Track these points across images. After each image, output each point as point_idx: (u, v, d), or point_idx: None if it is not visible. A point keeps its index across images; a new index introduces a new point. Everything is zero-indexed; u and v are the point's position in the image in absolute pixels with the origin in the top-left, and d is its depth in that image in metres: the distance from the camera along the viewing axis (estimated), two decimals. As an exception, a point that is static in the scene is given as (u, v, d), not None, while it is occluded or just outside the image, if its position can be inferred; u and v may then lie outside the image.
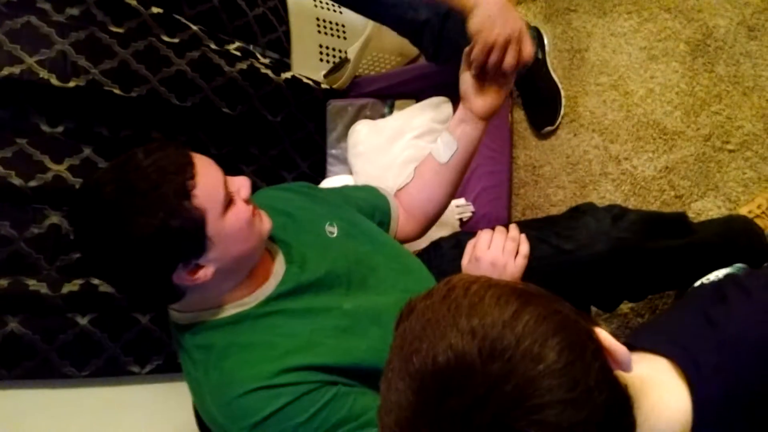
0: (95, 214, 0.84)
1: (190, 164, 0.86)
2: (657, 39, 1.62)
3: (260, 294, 0.97)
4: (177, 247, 0.85)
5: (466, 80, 1.15)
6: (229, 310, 0.95)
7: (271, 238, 1.02)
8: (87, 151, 1.48)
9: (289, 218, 1.08)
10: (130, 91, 1.54)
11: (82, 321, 1.39)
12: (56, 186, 1.41)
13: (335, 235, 1.09)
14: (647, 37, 1.64)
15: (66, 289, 1.37)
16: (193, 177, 0.85)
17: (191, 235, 0.85)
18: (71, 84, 1.45)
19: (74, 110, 1.48)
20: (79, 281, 1.39)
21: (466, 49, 1.12)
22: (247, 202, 0.93)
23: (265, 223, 0.97)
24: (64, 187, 1.42)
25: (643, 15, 1.66)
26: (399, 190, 1.26)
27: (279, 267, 1.00)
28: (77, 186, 1.43)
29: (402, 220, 1.23)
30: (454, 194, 1.25)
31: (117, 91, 1.52)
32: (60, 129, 1.46)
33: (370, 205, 1.22)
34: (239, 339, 0.93)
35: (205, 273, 0.88)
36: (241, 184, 0.93)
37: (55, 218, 1.40)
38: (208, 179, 0.87)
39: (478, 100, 1.15)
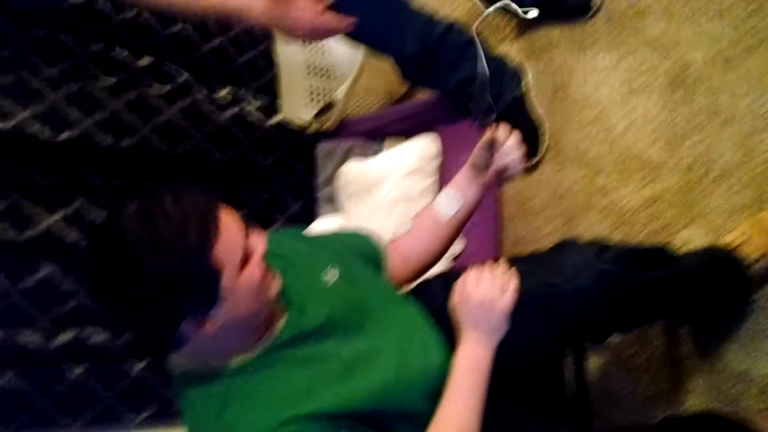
0: (113, 250, 0.83)
1: (216, 216, 0.86)
2: (636, 73, 1.66)
3: (261, 344, 0.97)
4: (189, 297, 0.85)
5: (482, 156, 1.18)
6: (231, 361, 0.95)
7: None
8: (80, 201, 1.51)
9: (287, 263, 1.08)
10: (122, 140, 1.58)
11: (77, 371, 1.40)
12: (49, 237, 1.44)
13: (333, 280, 1.10)
14: (627, 72, 1.68)
15: (60, 339, 1.39)
16: (217, 229, 0.84)
17: (205, 287, 0.85)
18: (63, 136, 1.48)
19: (67, 162, 1.51)
20: (73, 331, 1.40)
21: (488, 134, 1.17)
22: (262, 260, 0.93)
23: (276, 285, 0.97)
24: (57, 238, 1.45)
25: (622, 50, 1.70)
26: (397, 238, 1.27)
27: (280, 316, 1.01)
28: (70, 236, 1.46)
29: (396, 267, 1.24)
30: (449, 248, 1.27)
31: (109, 142, 1.55)
32: (53, 180, 1.49)
33: (364, 253, 1.22)
34: (240, 390, 0.94)
35: (212, 326, 0.88)
36: (258, 242, 0.93)
37: (48, 269, 1.42)
38: (231, 233, 0.87)
39: (489, 174, 1.19)
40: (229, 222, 0.88)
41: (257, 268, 0.91)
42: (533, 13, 1.75)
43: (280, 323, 1.00)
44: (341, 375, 0.98)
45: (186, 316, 0.86)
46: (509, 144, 1.16)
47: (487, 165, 1.18)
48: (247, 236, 0.91)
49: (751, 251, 1.29)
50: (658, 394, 1.47)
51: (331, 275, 1.10)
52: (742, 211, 1.41)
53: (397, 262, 1.25)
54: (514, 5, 1.79)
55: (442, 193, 1.22)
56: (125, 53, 1.65)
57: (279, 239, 1.16)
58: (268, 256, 1.00)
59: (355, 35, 1.62)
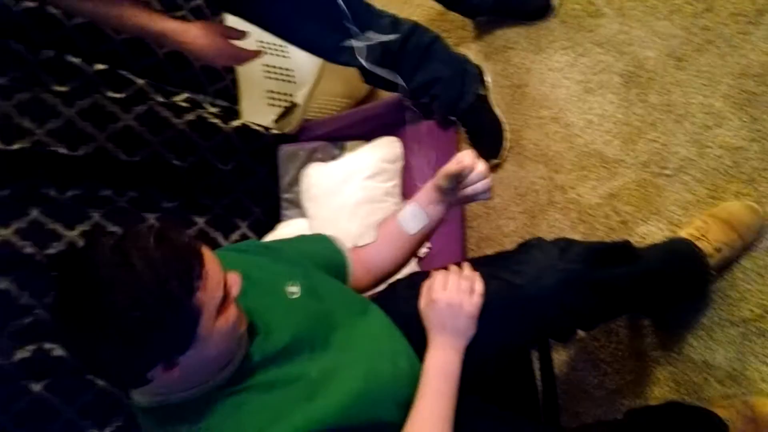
0: (87, 290, 0.77)
1: (200, 262, 0.82)
2: (592, 72, 1.70)
3: (227, 372, 0.94)
4: (162, 344, 0.81)
5: (448, 183, 1.13)
6: (195, 392, 0.92)
7: None
8: (35, 213, 1.46)
9: (248, 282, 1.02)
10: (77, 149, 1.54)
11: (36, 387, 1.36)
12: (4, 251, 1.39)
13: (297, 295, 1.07)
14: (583, 71, 1.71)
15: (18, 355, 1.34)
16: (200, 276, 0.81)
17: (181, 333, 0.81)
18: (15, 146, 1.43)
19: (20, 172, 1.46)
20: (32, 347, 1.36)
21: (454, 165, 1.11)
22: (235, 299, 0.91)
23: (245, 321, 0.95)
24: (11, 252, 1.40)
25: (577, 50, 1.74)
26: (360, 247, 1.26)
27: (244, 341, 0.97)
28: (26, 249, 1.41)
29: (358, 275, 1.23)
30: (412, 257, 1.27)
31: (63, 151, 1.51)
32: (6, 192, 1.44)
33: (327, 261, 1.20)
34: (206, 422, 0.90)
35: (180, 369, 0.84)
36: (234, 282, 0.90)
37: (4, 283, 1.37)
38: (213, 278, 0.83)
39: (455, 196, 1.16)
40: (211, 266, 0.84)
41: (233, 310, 0.88)
42: None
43: (244, 349, 0.97)
44: (310, 395, 0.95)
45: (156, 363, 0.82)
46: (477, 173, 1.11)
47: (453, 191, 1.15)
48: (226, 277, 0.88)
49: (707, 243, 1.33)
50: (624, 386, 1.50)
51: (294, 290, 1.07)
52: (697, 205, 1.45)
53: (359, 270, 1.24)
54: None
55: (407, 208, 1.20)
56: (78, 60, 1.61)
57: (236, 256, 1.13)
58: None
59: (310, 50, 1.62)
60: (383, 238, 1.24)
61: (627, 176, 1.58)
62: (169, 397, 0.91)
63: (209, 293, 0.82)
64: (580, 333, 1.58)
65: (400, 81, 1.65)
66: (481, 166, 1.11)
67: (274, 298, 1.06)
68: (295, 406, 0.93)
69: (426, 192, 1.19)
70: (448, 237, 1.84)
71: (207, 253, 0.85)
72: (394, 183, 1.87)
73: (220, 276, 0.86)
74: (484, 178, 1.11)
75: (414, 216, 1.19)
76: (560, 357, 1.62)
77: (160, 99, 1.75)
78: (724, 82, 1.45)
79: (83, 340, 0.80)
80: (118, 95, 1.66)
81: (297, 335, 1.01)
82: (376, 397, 1.00)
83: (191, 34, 1.37)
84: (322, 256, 1.21)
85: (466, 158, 1.10)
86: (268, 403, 0.93)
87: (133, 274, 0.76)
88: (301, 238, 1.29)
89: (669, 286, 1.26)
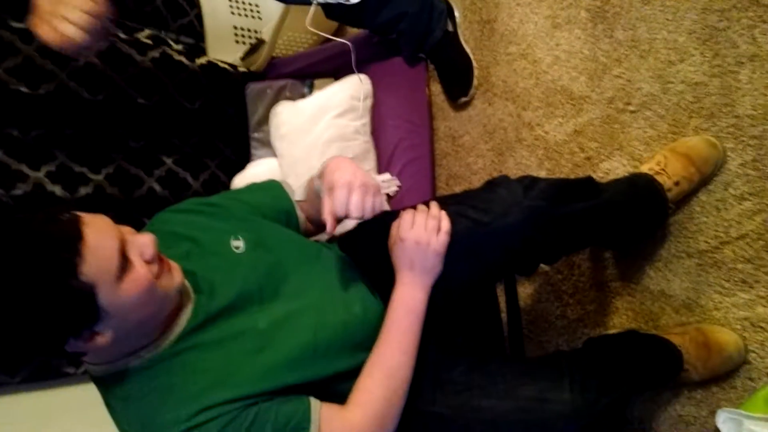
0: None
1: (79, 238, 0.80)
2: (560, 7, 1.69)
3: (172, 333, 0.94)
4: (63, 323, 0.81)
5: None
6: (142, 355, 0.92)
7: None
8: (-2, 154, 1.44)
9: (192, 243, 1.05)
10: (38, 88, 1.50)
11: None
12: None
13: (242, 249, 1.07)
14: (551, 6, 1.71)
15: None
16: (79, 253, 0.79)
17: (79, 309, 0.81)
18: (-27, 85, 1.40)
19: (-21, 112, 1.43)
20: None
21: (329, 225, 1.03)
22: (152, 261, 0.88)
23: (176, 278, 0.93)
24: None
25: (545, -16, 1.73)
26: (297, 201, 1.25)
27: (188, 301, 0.98)
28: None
29: (302, 222, 1.25)
30: None
31: (24, 90, 1.48)
32: (-34, 133, 1.41)
33: (276, 210, 1.21)
34: (155, 383, 0.91)
35: (103, 338, 0.85)
36: (144, 244, 0.88)
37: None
38: (98, 251, 0.81)
39: None
40: (96, 238, 0.82)
41: (142, 273, 0.86)
42: None
43: (188, 308, 0.97)
44: (258, 349, 0.97)
45: (67, 339, 0.83)
46: (354, 217, 1.02)
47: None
48: (124, 241, 0.86)
49: (667, 177, 1.36)
50: (585, 316, 1.56)
51: (239, 245, 1.07)
52: (659, 140, 1.48)
53: (302, 219, 1.26)
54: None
55: (316, 183, 1.14)
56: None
57: (179, 217, 1.12)
58: (172, 240, 0.97)
59: None
60: (312, 201, 1.22)
61: (592, 112, 1.60)
62: (114, 365, 0.92)
63: (96, 266, 0.80)
64: (544, 266, 1.63)
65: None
66: (354, 211, 1.01)
67: (217, 256, 1.05)
68: (242, 362, 0.95)
69: (322, 177, 1.12)
70: (417, 175, 1.86)
71: (93, 225, 0.83)
72: (363, 121, 1.87)
73: (112, 244, 0.83)
74: (360, 219, 1.03)
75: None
76: (525, 290, 1.68)
77: (123, 36, 1.71)
78: (687, 17, 1.46)
79: None
80: (77, 32, 1.61)
81: (243, 290, 1.02)
82: (326, 347, 1.03)
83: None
84: (271, 206, 1.21)
85: (338, 209, 1.01)
86: (217, 360, 0.94)
87: (10, 260, 0.77)
88: (251, 188, 1.27)
89: (629, 219, 1.30)
